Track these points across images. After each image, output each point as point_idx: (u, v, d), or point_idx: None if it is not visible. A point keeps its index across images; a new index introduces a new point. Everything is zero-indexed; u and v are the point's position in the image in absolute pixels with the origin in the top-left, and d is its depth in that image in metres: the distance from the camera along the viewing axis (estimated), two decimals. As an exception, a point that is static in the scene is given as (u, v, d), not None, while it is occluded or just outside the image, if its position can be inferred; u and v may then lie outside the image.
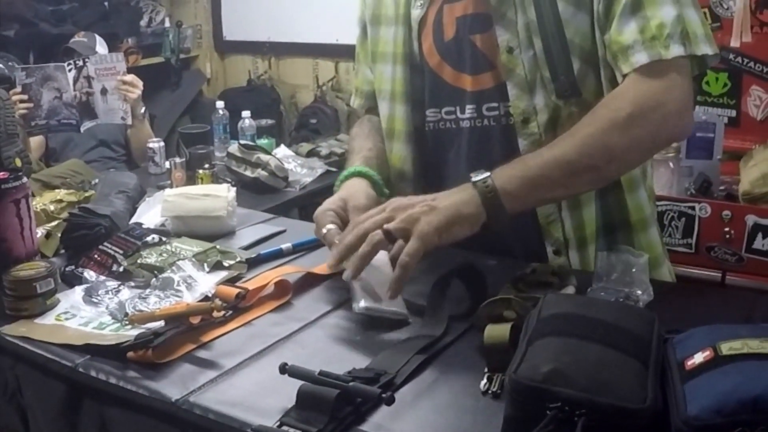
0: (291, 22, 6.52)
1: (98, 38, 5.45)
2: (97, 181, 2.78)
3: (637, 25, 1.89)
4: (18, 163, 3.10)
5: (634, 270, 1.74)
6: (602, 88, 2.00)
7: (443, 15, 2.14)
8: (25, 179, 2.01)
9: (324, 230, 1.96)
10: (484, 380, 1.47)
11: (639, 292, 1.73)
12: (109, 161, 5.08)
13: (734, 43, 4.11)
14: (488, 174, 1.81)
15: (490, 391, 1.45)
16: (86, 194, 2.53)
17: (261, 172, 4.42)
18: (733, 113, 4.31)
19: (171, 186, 3.72)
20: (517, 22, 2.00)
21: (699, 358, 1.23)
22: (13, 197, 1.97)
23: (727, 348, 1.21)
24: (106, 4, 6.35)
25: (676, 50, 1.87)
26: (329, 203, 2.04)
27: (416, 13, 2.17)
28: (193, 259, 2.00)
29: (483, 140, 2.10)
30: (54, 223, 2.31)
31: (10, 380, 1.80)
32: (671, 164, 3.87)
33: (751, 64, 4.20)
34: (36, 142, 4.76)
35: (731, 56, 4.22)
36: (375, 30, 2.30)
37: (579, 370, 1.19)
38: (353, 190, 2.10)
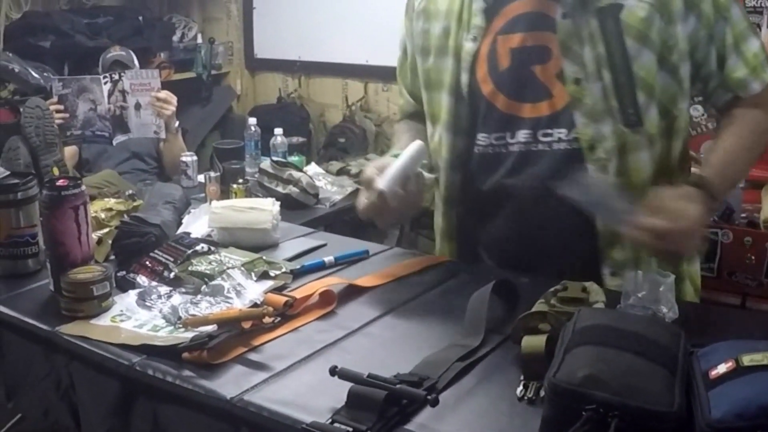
0: (321, 42, 6.57)
1: (131, 53, 5.50)
2: (130, 192, 2.85)
3: (742, 61, 2.17)
4: (56, 172, 3.14)
5: (661, 289, 1.81)
6: (659, 119, 2.17)
7: (497, 46, 2.24)
8: (83, 187, 2.09)
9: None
10: (520, 387, 1.56)
11: (665, 309, 1.80)
12: (141, 173, 5.08)
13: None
14: (715, 200, 2.09)
15: (525, 398, 1.54)
16: (135, 203, 2.60)
17: (293, 189, 4.47)
18: (757, 143, 4.38)
19: (206, 200, 3.79)
20: (584, 55, 2.12)
21: (722, 368, 1.32)
22: (73, 204, 2.05)
23: (748, 360, 1.31)
24: (140, 18, 6.36)
25: None
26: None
27: (469, 46, 2.27)
28: (242, 268, 2.09)
29: (532, 163, 2.20)
30: (105, 230, 2.39)
31: (64, 377, 1.88)
32: (695, 191, 3.94)
33: (773, 96, 4.27)
34: (69, 152, 4.75)
35: (753, 89, 4.29)
36: (425, 60, 2.39)
37: (612, 375, 1.29)
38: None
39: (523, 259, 2.28)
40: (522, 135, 2.22)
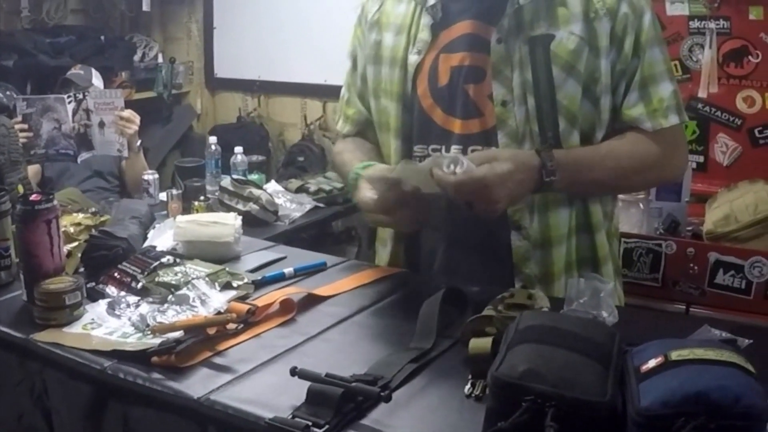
0: (281, 62, 6.67)
1: (94, 71, 5.56)
2: (93, 209, 2.92)
3: (643, 100, 2.25)
4: (20, 189, 3.18)
5: (601, 294, 1.92)
6: (580, 145, 2.27)
7: (439, 63, 2.35)
8: (55, 201, 2.16)
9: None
10: (468, 385, 1.67)
11: (606, 314, 1.90)
12: (103, 191, 5.13)
13: (702, 93, 4.33)
14: (554, 180, 2.13)
15: (473, 395, 1.64)
16: (102, 218, 2.66)
17: (253, 206, 4.53)
18: (701, 159, 4.53)
19: (168, 216, 3.85)
20: (513, 80, 2.23)
21: (652, 363, 1.43)
22: (45, 217, 2.12)
23: (676, 355, 1.42)
24: (102, 38, 6.44)
25: (673, 119, 2.26)
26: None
27: (413, 58, 2.38)
28: (207, 279, 2.18)
29: None
30: (74, 244, 2.44)
31: (38, 383, 1.95)
32: (641, 205, 4.06)
33: (718, 113, 4.42)
34: (32, 170, 4.75)
35: (699, 106, 4.44)
36: (376, 69, 2.48)
37: (550, 370, 1.39)
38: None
39: (450, 265, 2.41)
40: (454, 150, 2.32)
